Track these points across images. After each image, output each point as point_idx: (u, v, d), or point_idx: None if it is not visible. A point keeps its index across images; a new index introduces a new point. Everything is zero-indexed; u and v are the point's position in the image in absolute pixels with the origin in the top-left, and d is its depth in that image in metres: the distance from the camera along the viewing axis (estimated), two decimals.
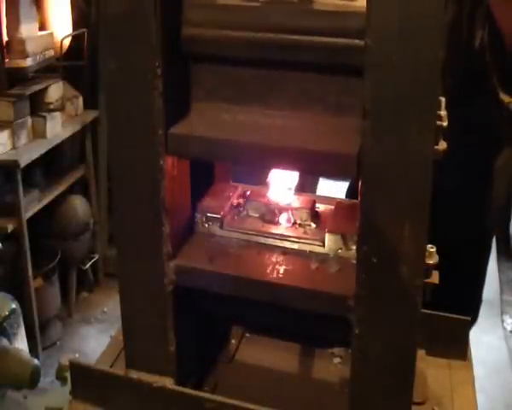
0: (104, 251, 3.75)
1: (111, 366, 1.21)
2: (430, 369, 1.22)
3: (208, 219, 1.15)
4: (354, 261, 0.95)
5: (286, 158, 0.96)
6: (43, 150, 3.00)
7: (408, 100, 0.83)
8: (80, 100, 3.41)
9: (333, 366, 1.29)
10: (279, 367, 1.29)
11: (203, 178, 1.21)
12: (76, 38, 3.30)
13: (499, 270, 3.99)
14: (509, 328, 3.65)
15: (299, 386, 1.25)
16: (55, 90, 3.14)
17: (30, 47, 2.89)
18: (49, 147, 3.05)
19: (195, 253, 1.10)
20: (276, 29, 0.93)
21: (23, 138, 2.93)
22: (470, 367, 1.24)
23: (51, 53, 3.11)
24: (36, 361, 1.89)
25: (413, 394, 1.00)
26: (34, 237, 3.03)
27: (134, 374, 1.09)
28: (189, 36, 0.98)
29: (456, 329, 1.24)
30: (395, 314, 0.94)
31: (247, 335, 1.37)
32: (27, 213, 2.93)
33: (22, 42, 2.86)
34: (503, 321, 3.68)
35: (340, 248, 1.08)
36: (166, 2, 0.92)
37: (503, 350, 3.44)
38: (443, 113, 0.94)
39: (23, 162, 2.82)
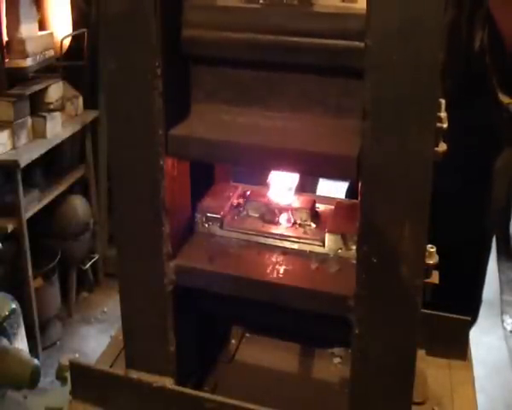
0: (104, 251, 3.74)
1: (111, 366, 1.21)
2: (430, 369, 1.22)
3: (208, 219, 1.15)
4: (354, 261, 0.95)
5: (286, 160, 0.96)
6: (43, 150, 3.00)
7: (408, 101, 0.83)
8: (80, 100, 3.41)
9: (333, 366, 1.29)
10: (279, 367, 1.29)
11: (203, 179, 1.21)
12: (76, 38, 3.30)
13: (499, 270, 3.99)
14: (509, 328, 3.65)
15: (299, 386, 1.25)
16: (55, 90, 3.14)
17: (30, 47, 2.89)
18: (49, 147, 3.05)
19: (195, 253, 1.10)
20: (277, 31, 0.93)
21: (23, 138, 2.93)
22: (470, 367, 1.25)
23: (51, 53, 3.11)
24: (36, 361, 1.89)
25: (413, 394, 1.00)
26: (34, 237, 3.02)
27: (134, 374, 1.09)
28: (189, 37, 0.98)
29: (456, 329, 1.24)
30: (395, 314, 0.94)
31: (247, 335, 1.38)
32: (27, 213, 2.93)
33: (22, 42, 2.86)
34: (503, 321, 3.68)
35: (340, 248, 1.08)
36: (166, 2, 0.92)
37: (503, 350, 3.44)
38: (443, 114, 0.94)
39: (23, 162, 2.82)
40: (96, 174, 3.64)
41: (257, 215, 1.17)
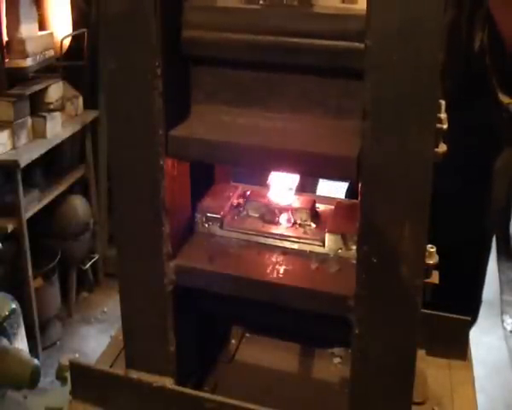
0: (104, 251, 3.74)
1: (111, 366, 1.21)
2: (430, 369, 1.22)
3: (208, 219, 1.15)
4: (354, 261, 0.95)
5: (286, 160, 0.96)
6: (43, 150, 3.00)
7: (408, 101, 0.83)
8: (80, 100, 3.41)
9: (333, 366, 1.29)
10: (279, 367, 1.29)
11: (203, 179, 1.21)
12: (76, 38, 3.30)
13: (499, 270, 3.99)
14: (509, 328, 3.65)
15: (299, 386, 1.25)
16: (55, 90, 3.14)
17: (30, 47, 2.89)
18: (49, 147, 3.05)
19: (195, 253, 1.10)
20: (277, 32, 0.93)
21: (23, 138, 2.93)
22: (470, 367, 1.25)
23: (51, 53, 3.11)
24: (36, 361, 1.89)
25: (413, 394, 1.00)
26: (34, 237, 3.02)
27: (134, 374, 1.09)
28: (189, 38, 0.98)
29: (456, 329, 1.24)
30: (395, 314, 0.94)
31: (247, 335, 1.38)
32: (27, 213, 2.93)
33: (22, 42, 2.86)
34: (503, 321, 3.68)
35: (340, 248, 1.08)
36: (166, 2, 0.92)
37: (503, 350, 3.44)
38: (443, 115, 0.94)
39: (23, 162, 2.82)
40: (96, 174, 3.64)
41: (257, 215, 1.17)
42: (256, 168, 1.10)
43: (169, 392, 1.05)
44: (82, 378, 1.11)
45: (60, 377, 1.19)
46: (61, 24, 3.23)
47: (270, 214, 1.15)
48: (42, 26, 3.13)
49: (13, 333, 2.03)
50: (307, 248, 1.10)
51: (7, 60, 2.84)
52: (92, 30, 3.37)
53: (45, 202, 3.12)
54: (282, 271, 1.05)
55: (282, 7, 0.94)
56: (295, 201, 1.18)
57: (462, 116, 1.39)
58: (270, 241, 1.12)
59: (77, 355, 3.13)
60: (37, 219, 3.06)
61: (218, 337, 1.34)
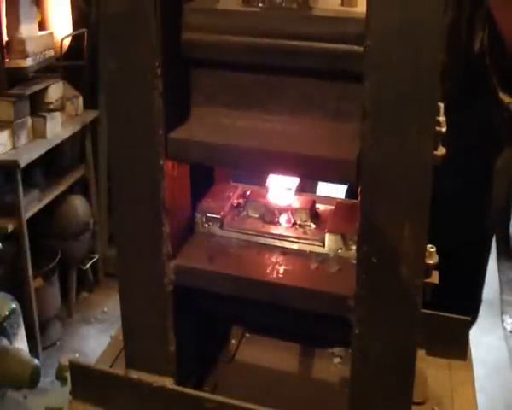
0: (104, 251, 3.75)
1: (111, 366, 1.21)
2: (430, 369, 1.22)
3: (208, 220, 1.15)
4: (354, 261, 0.95)
5: (285, 163, 0.96)
6: (43, 150, 3.00)
7: (408, 101, 0.83)
8: (80, 100, 3.41)
9: (333, 366, 1.29)
10: (279, 367, 1.29)
11: (203, 179, 1.21)
12: (76, 38, 3.30)
13: (499, 270, 4.00)
14: (509, 328, 3.65)
15: (299, 386, 1.25)
16: (55, 90, 3.14)
17: (30, 47, 2.89)
18: (49, 147, 3.05)
19: (195, 253, 1.10)
20: (276, 34, 0.93)
21: (23, 138, 2.93)
22: (470, 367, 1.25)
23: (51, 53, 3.11)
24: (36, 361, 1.89)
25: (413, 394, 1.00)
26: (34, 237, 3.03)
27: (134, 374, 1.09)
28: (189, 40, 0.98)
29: (456, 329, 1.24)
30: (395, 314, 0.94)
31: (247, 335, 1.37)
32: (27, 213, 2.93)
33: (22, 42, 2.86)
34: (503, 321, 3.68)
35: (340, 248, 1.08)
36: (166, 2, 0.92)
37: (503, 350, 3.44)
38: (442, 119, 0.94)
39: (23, 162, 2.82)
40: (96, 174, 3.65)
41: (257, 215, 1.17)
42: (255, 171, 1.10)
43: (169, 392, 1.05)
44: (82, 378, 1.11)
45: (60, 377, 1.19)
46: (61, 24, 3.23)
47: (270, 215, 1.15)
48: (42, 26, 3.13)
49: (13, 333, 2.03)
50: (307, 248, 1.10)
51: (7, 60, 2.85)
52: (92, 30, 3.37)
53: (45, 202, 3.12)
54: (281, 271, 1.05)
55: (282, 10, 0.94)
56: (295, 201, 1.18)
57: (463, 116, 1.39)
58: (270, 241, 1.12)
59: (77, 355, 3.13)
60: (37, 219, 3.07)
61: (218, 337, 1.34)
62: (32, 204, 2.99)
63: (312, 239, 1.10)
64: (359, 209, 0.90)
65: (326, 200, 1.24)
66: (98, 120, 3.54)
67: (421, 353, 1.19)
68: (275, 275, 1.04)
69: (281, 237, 1.12)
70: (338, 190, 1.85)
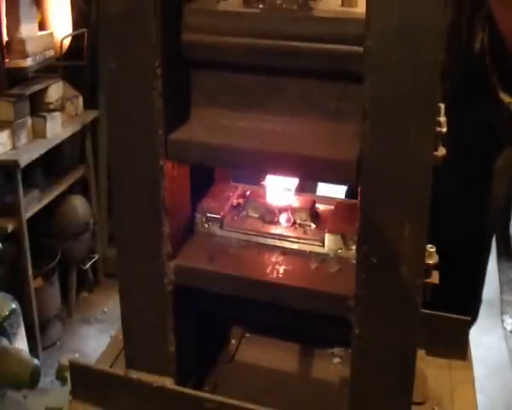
0: (104, 251, 3.74)
1: (111, 366, 1.21)
2: (430, 369, 1.22)
3: (208, 220, 1.15)
4: (354, 261, 0.95)
5: (285, 164, 0.96)
6: (43, 150, 3.00)
7: (408, 100, 0.83)
8: (80, 100, 3.41)
9: (333, 366, 1.29)
10: (279, 367, 1.29)
11: (203, 179, 1.21)
12: (76, 38, 3.30)
13: (499, 270, 3.99)
14: (509, 328, 3.65)
15: (299, 386, 1.25)
16: (55, 90, 3.14)
17: (30, 47, 2.89)
18: (49, 147, 3.05)
19: (195, 253, 1.10)
20: (276, 35, 0.93)
21: (23, 138, 2.93)
22: (470, 367, 1.25)
23: (51, 53, 3.11)
24: (36, 361, 1.89)
25: (413, 394, 1.00)
26: (34, 237, 3.02)
27: (134, 374, 1.09)
28: (189, 41, 0.98)
29: (456, 329, 1.24)
30: (395, 314, 0.94)
31: (247, 335, 1.37)
32: (27, 213, 2.93)
33: (22, 42, 2.86)
34: (503, 321, 3.68)
35: (340, 248, 1.08)
36: (166, 2, 0.92)
37: (503, 350, 3.44)
38: (442, 119, 0.94)
39: (23, 162, 2.82)
40: (96, 174, 3.64)
41: (257, 215, 1.17)
42: (256, 172, 1.11)
43: (169, 392, 1.05)
44: (82, 378, 1.11)
45: (60, 377, 1.19)
46: (61, 24, 3.23)
47: (269, 214, 1.15)
48: (42, 26, 3.13)
49: (13, 333, 2.03)
50: (307, 248, 1.10)
51: (7, 60, 2.85)
52: (92, 30, 3.37)
53: (45, 202, 3.12)
54: (281, 271, 1.05)
55: (282, 11, 0.94)
56: (295, 201, 1.18)
57: (463, 116, 1.39)
58: (270, 241, 1.12)
59: (77, 355, 3.13)
60: (37, 219, 3.06)
61: (218, 337, 1.34)
62: (32, 204, 2.99)
63: (312, 239, 1.10)
64: (359, 209, 0.90)
65: (326, 200, 1.24)
66: (98, 120, 3.54)
67: (421, 353, 1.19)
68: (275, 275, 1.04)
69: (281, 237, 1.12)
70: (338, 190, 1.85)
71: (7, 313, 2.00)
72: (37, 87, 3.00)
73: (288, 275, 1.04)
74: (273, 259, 1.08)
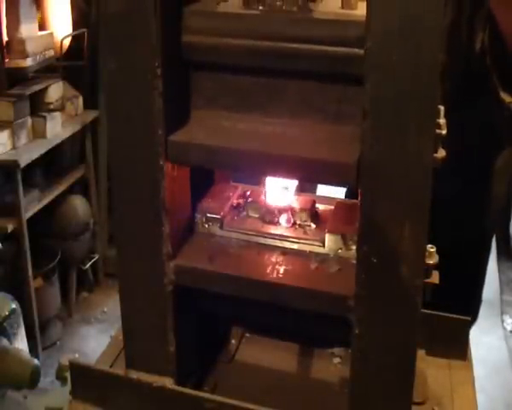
0: (104, 251, 3.75)
1: (111, 366, 1.21)
2: (430, 369, 1.22)
3: (208, 220, 1.15)
4: (354, 261, 0.95)
5: (285, 166, 0.96)
6: (43, 150, 3.00)
7: (408, 99, 0.83)
8: (80, 100, 3.41)
9: (333, 366, 1.29)
10: (279, 367, 1.29)
11: (203, 179, 1.21)
12: (76, 38, 3.30)
13: (499, 270, 4.00)
14: (509, 328, 3.65)
15: (299, 386, 1.25)
16: (55, 90, 3.14)
17: (30, 47, 2.89)
18: (49, 147, 3.06)
19: (195, 253, 1.10)
20: (276, 37, 0.93)
21: (23, 138, 2.93)
22: (470, 367, 1.25)
23: (51, 53, 3.11)
24: (36, 361, 1.89)
25: (413, 394, 1.00)
26: (34, 237, 3.03)
27: (134, 374, 1.09)
28: (189, 43, 0.98)
29: (456, 329, 1.24)
30: (395, 314, 0.94)
31: (247, 335, 1.37)
32: (27, 213, 2.93)
33: (22, 42, 2.86)
34: (503, 321, 3.68)
35: (340, 248, 1.08)
36: (166, 2, 0.92)
37: (503, 350, 3.44)
38: (442, 121, 0.94)
39: (23, 162, 2.82)
40: (96, 174, 3.65)
41: (257, 215, 1.17)
42: (256, 173, 1.10)
43: (169, 392, 1.05)
44: (82, 378, 1.11)
45: (60, 377, 1.19)
46: (61, 24, 3.23)
47: (269, 215, 1.15)
48: (42, 26, 3.13)
49: (13, 333, 2.03)
50: (307, 248, 1.10)
51: (7, 60, 2.85)
52: (92, 30, 3.37)
53: (45, 202, 3.12)
54: (281, 271, 1.05)
55: (282, 12, 0.94)
56: (295, 201, 1.18)
57: (463, 116, 1.39)
58: (270, 241, 1.12)
59: (77, 355, 3.13)
60: (37, 219, 3.07)
61: (218, 337, 1.34)
62: (32, 204, 3.00)
63: (312, 239, 1.10)
64: (359, 209, 0.90)
65: (326, 200, 1.24)
66: (98, 120, 3.54)
67: (421, 353, 1.19)
68: (275, 275, 1.04)
69: (281, 237, 1.12)
70: (338, 190, 1.85)
71: (7, 313, 2.00)
72: (37, 87, 3.01)
73: (288, 275, 1.04)
74: (273, 259, 1.08)
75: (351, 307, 0.96)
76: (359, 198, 0.91)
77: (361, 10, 0.89)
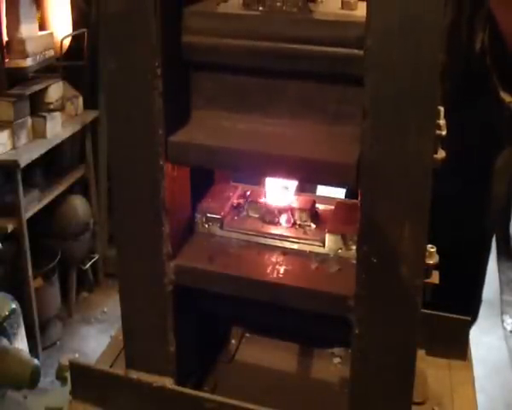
0: (104, 251, 3.75)
1: (111, 366, 1.21)
2: (430, 369, 1.22)
3: (208, 220, 1.15)
4: (354, 261, 0.95)
5: (285, 167, 0.96)
6: (43, 150, 3.00)
7: (408, 99, 0.83)
8: (80, 100, 3.41)
9: (333, 366, 1.29)
10: (279, 367, 1.29)
11: (203, 179, 1.21)
12: (76, 38, 3.30)
13: (499, 270, 4.00)
14: (509, 328, 3.65)
15: (299, 386, 1.25)
16: (55, 90, 3.14)
17: (30, 47, 2.89)
18: (49, 147, 3.05)
19: (195, 253, 1.10)
20: (276, 38, 0.93)
21: (23, 138, 2.93)
22: (470, 367, 1.25)
23: (51, 53, 3.11)
24: (36, 361, 1.90)
25: (413, 394, 1.00)
26: (34, 237, 3.03)
27: (134, 374, 1.09)
28: (189, 43, 0.98)
29: (456, 329, 1.24)
30: (395, 314, 0.94)
31: (247, 335, 1.37)
32: (27, 213, 2.93)
33: (22, 42, 2.86)
34: (503, 321, 3.68)
35: (340, 248, 1.08)
36: (166, 2, 0.92)
37: (503, 350, 3.44)
38: (442, 122, 0.94)
39: (23, 162, 2.82)
40: (96, 174, 3.65)
41: (257, 215, 1.17)
42: (255, 174, 1.10)
43: (169, 392, 1.05)
44: (82, 378, 1.11)
45: (60, 377, 1.19)
46: (61, 24, 3.23)
47: (270, 215, 1.15)
48: (42, 26, 3.13)
49: (13, 333, 2.03)
50: (307, 248, 1.10)
51: (7, 60, 2.85)
52: (92, 30, 3.37)
53: (45, 202, 3.12)
54: (282, 271, 1.05)
55: (282, 13, 0.94)
56: (295, 201, 1.18)
57: (463, 116, 1.39)
58: (270, 241, 1.12)
59: (77, 355, 3.13)
60: (37, 219, 3.07)
61: (218, 337, 1.34)
62: (32, 204, 3.00)
63: (312, 239, 1.10)
64: (359, 209, 0.90)
65: (326, 200, 1.24)
66: (98, 120, 3.54)
67: (421, 353, 1.19)
68: (275, 275, 1.04)
69: (281, 238, 1.12)
70: (338, 190, 1.85)
71: (7, 313, 2.00)
72: (37, 87, 3.01)
73: (288, 275, 1.04)
74: (273, 259, 1.08)
75: (351, 307, 0.96)
76: (359, 198, 0.91)
77: (361, 11, 0.89)
